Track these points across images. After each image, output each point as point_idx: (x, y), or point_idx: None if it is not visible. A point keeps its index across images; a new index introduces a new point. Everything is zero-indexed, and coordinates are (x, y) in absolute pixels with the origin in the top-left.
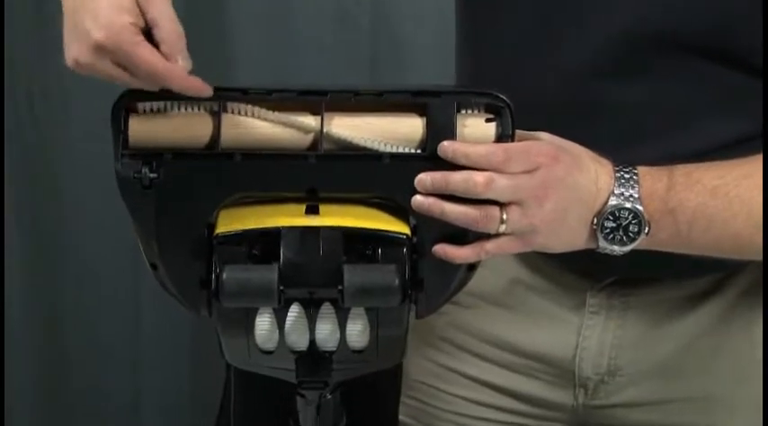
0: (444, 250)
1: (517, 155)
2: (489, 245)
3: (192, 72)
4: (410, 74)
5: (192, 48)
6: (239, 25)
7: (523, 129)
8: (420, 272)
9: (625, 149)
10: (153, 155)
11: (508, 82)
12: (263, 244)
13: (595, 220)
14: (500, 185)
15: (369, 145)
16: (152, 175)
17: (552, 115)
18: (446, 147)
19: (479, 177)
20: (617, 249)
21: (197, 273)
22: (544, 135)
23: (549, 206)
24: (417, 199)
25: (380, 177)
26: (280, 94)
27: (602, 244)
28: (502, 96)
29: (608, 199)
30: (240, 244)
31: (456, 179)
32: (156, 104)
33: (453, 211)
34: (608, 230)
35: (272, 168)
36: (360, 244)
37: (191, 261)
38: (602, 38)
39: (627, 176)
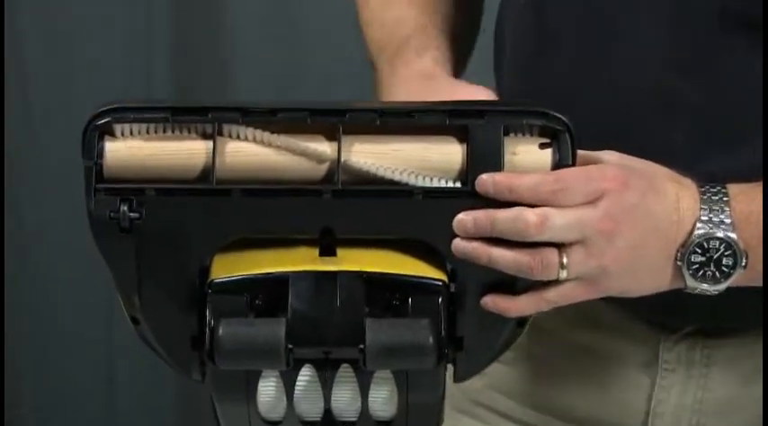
0: (495, 302)
1: (574, 183)
2: (550, 294)
3: None
4: None
5: (185, 46)
6: (236, 20)
7: (582, 141)
8: (459, 327)
9: (707, 158)
10: (133, 190)
11: (560, 86)
12: (268, 292)
13: (679, 254)
14: (557, 223)
15: (397, 177)
16: (132, 215)
17: (613, 121)
18: (485, 181)
19: (531, 216)
20: (708, 288)
21: (187, 330)
22: (610, 155)
23: (620, 242)
24: (459, 245)
25: (411, 217)
26: (287, 114)
27: (691, 282)
28: (560, 116)
29: (693, 227)
30: (240, 292)
31: (503, 219)
32: (136, 126)
33: (503, 258)
34: (696, 265)
35: (279, 206)
36: (385, 292)
37: (180, 316)
38: (666, 17)
39: (715, 198)
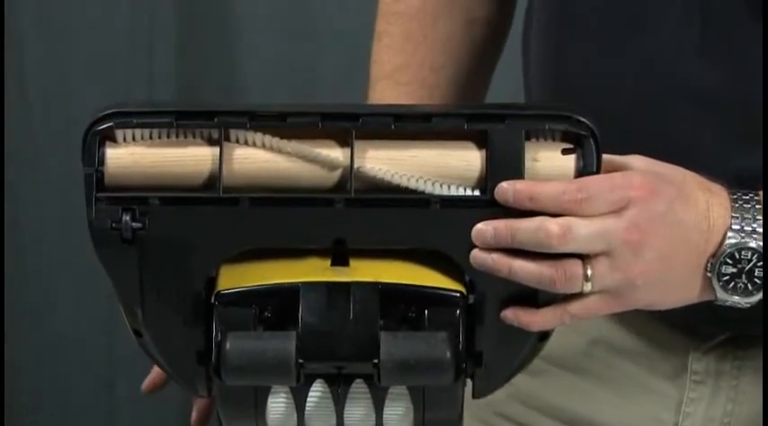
0: (517, 315)
1: (598, 192)
2: (574, 308)
3: None
4: None
5: (189, 43)
6: (244, 14)
7: (605, 136)
8: (478, 342)
9: (735, 156)
10: (136, 199)
11: (583, 79)
12: (278, 304)
13: (709, 265)
14: (580, 234)
15: (412, 185)
16: (135, 225)
17: (639, 118)
18: (505, 189)
19: (553, 226)
20: (740, 300)
21: (193, 344)
22: (637, 160)
23: (647, 253)
24: (478, 256)
25: (428, 226)
26: (297, 119)
27: (721, 295)
28: (584, 120)
29: (724, 237)
30: (248, 304)
31: (524, 229)
32: (139, 131)
33: (524, 271)
34: (727, 277)
35: (289, 215)
36: (401, 304)
37: (185, 329)
38: (693, 9)
39: (747, 205)
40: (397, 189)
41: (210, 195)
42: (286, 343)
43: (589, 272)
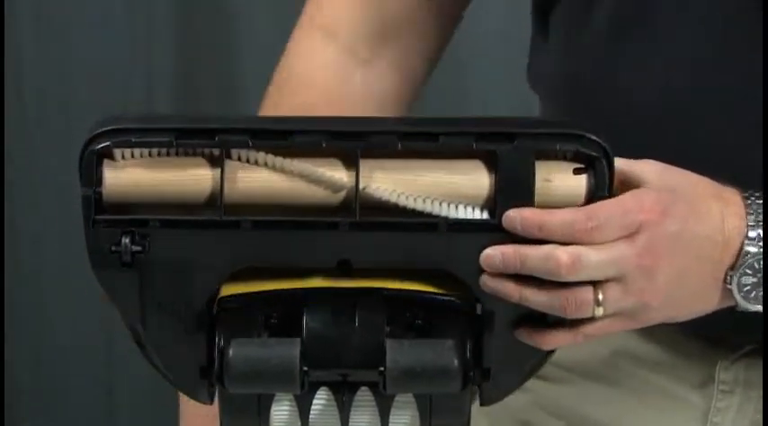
0: (530, 335)
1: (609, 218)
2: (587, 330)
3: None
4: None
5: (188, 40)
6: (243, 10)
7: (624, 141)
8: (486, 350)
9: (752, 154)
10: (135, 221)
11: (602, 81)
12: (282, 311)
13: (729, 277)
14: (590, 262)
15: (419, 206)
16: (135, 248)
17: (656, 121)
18: (512, 218)
19: (563, 256)
20: (761, 308)
21: (196, 356)
22: (648, 167)
23: (661, 276)
24: (487, 282)
25: (435, 249)
26: (300, 138)
27: (743, 304)
28: (596, 139)
29: (742, 247)
30: (251, 311)
31: (533, 257)
32: (138, 150)
33: (534, 298)
34: (748, 287)
35: (292, 237)
36: (407, 311)
37: (187, 343)
38: (707, 11)
39: (761, 211)
40: (404, 210)
41: (211, 218)
42: (290, 350)
43: (600, 297)
